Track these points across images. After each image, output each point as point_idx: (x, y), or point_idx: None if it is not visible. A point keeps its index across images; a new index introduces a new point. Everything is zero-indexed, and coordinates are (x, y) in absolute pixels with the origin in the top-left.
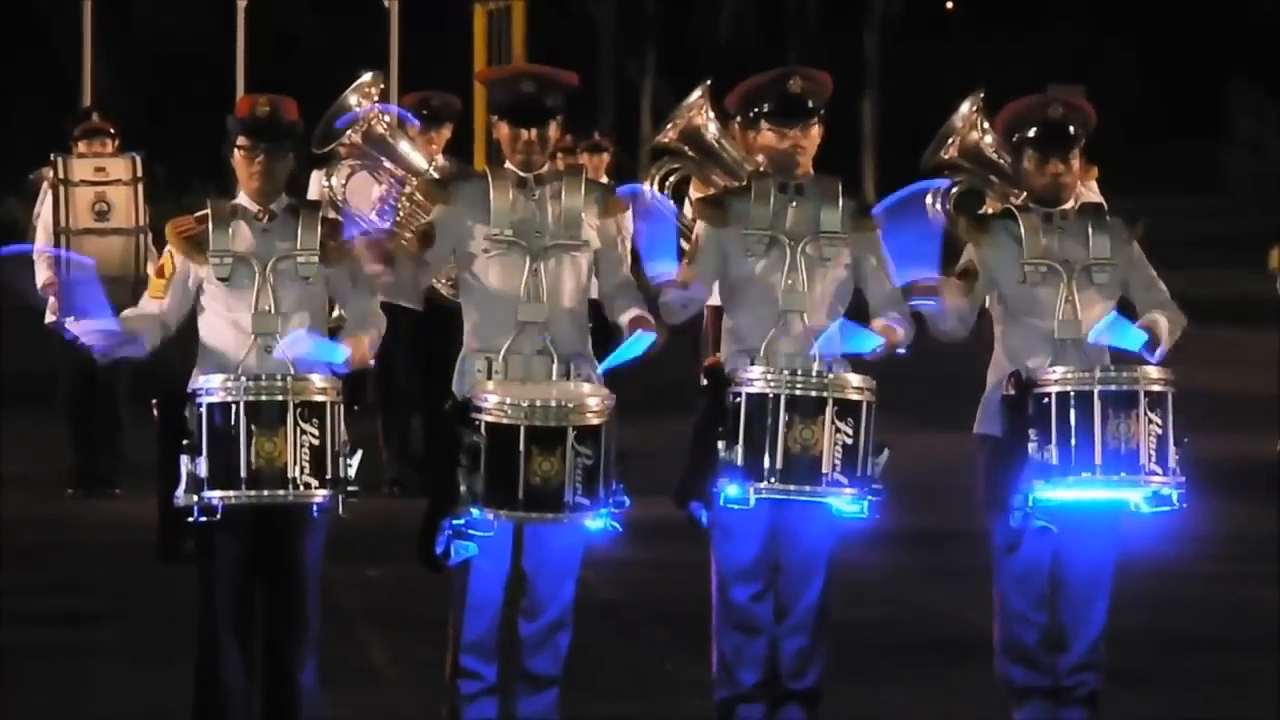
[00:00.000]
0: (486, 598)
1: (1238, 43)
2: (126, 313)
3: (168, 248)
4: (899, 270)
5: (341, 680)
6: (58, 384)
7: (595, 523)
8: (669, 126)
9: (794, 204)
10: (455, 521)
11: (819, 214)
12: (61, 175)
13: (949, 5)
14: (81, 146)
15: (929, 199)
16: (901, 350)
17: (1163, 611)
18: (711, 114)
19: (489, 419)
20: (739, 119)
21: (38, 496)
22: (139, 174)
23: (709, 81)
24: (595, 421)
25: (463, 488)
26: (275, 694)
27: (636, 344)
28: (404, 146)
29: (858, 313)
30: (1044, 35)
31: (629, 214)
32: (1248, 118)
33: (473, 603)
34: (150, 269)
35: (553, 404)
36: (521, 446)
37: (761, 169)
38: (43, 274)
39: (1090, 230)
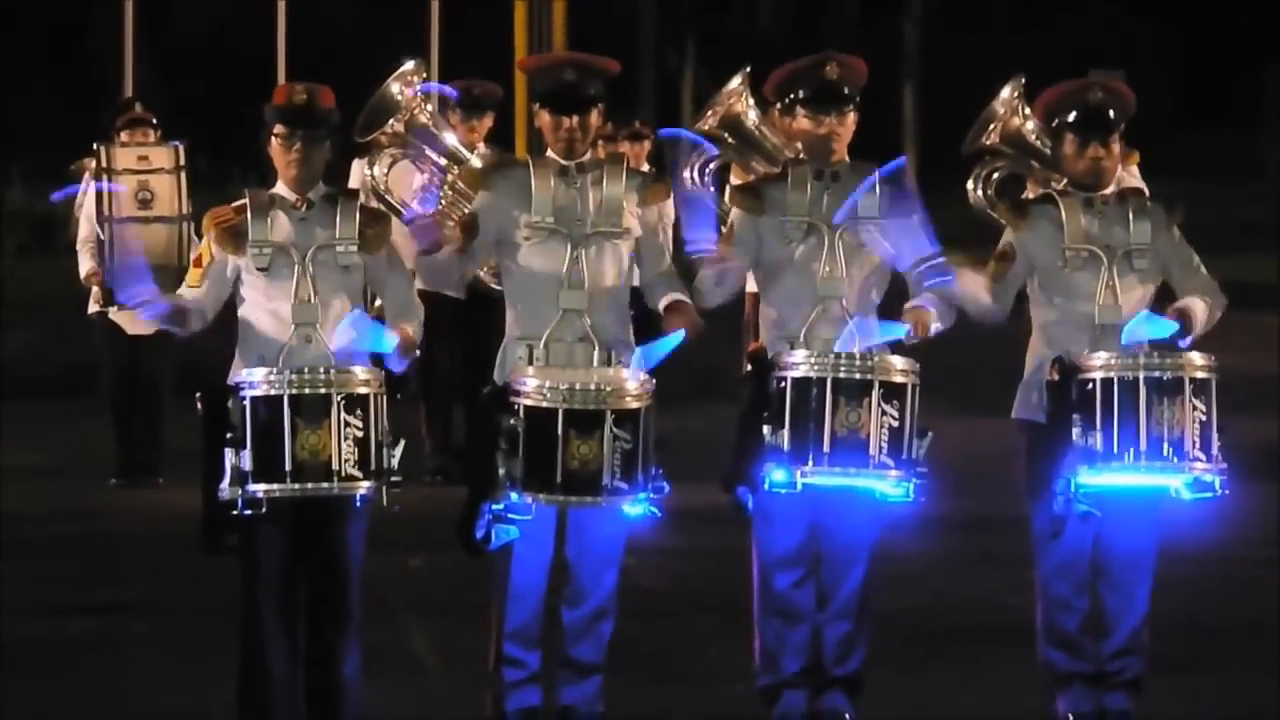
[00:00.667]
0: (529, 586)
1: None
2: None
3: (206, 237)
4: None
5: (385, 669)
6: (99, 375)
7: (634, 508)
8: (709, 114)
9: (830, 190)
10: (494, 506)
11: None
12: (105, 164)
13: None
14: (124, 136)
15: (970, 185)
16: (937, 327)
17: (1205, 597)
18: (751, 101)
19: (527, 403)
20: (776, 105)
21: (80, 487)
22: (181, 163)
23: (748, 69)
24: (633, 405)
25: (501, 471)
26: (319, 684)
27: (669, 342)
28: (447, 135)
29: (897, 295)
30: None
31: (670, 202)
32: None
33: (515, 591)
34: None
35: (591, 388)
36: (560, 430)
37: (799, 156)
38: (86, 264)
39: (1131, 215)
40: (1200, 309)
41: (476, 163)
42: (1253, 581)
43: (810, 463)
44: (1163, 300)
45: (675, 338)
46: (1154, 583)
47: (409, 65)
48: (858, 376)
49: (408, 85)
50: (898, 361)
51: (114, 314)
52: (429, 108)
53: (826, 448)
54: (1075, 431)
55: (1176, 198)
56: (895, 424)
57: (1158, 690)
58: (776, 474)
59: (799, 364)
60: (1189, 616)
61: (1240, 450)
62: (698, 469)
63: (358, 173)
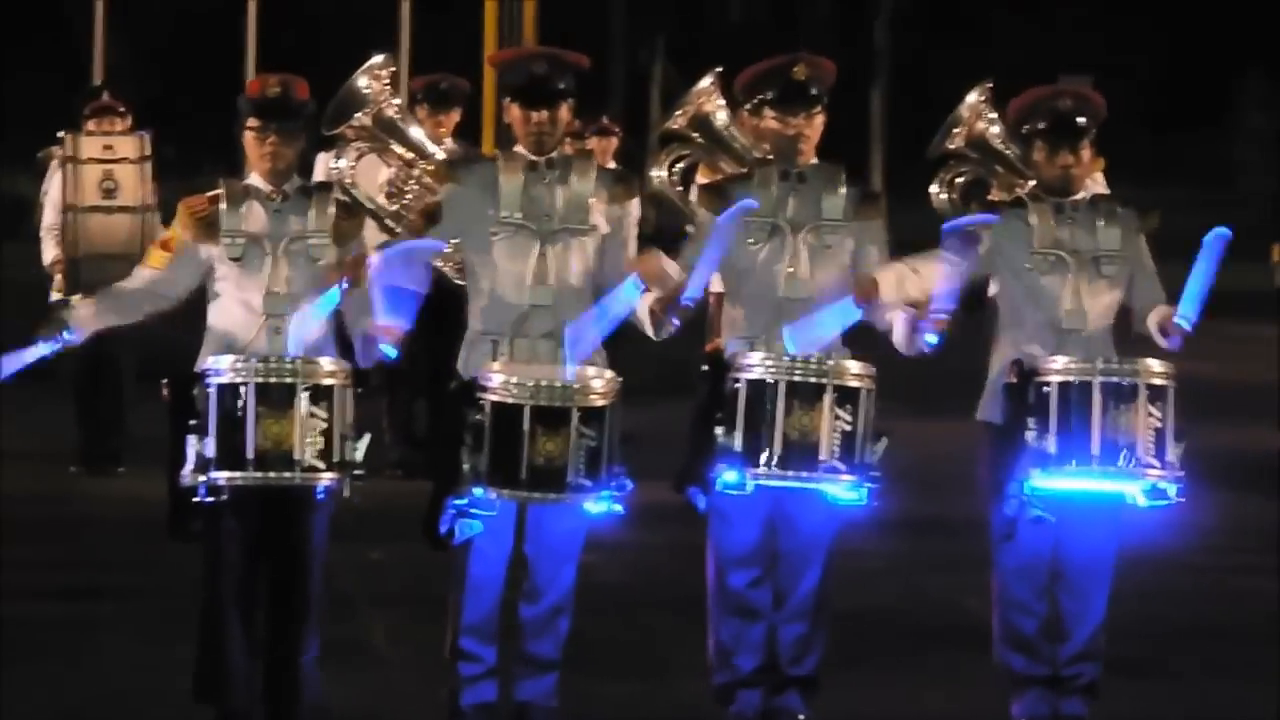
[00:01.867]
0: (487, 580)
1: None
2: (109, 289)
3: (174, 225)
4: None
5: (343, 661)
6: (62, 360)
7: (597, 505)
8: (678, 113)
9: (796, 191)
10: (459, 501)
11: (820, 202)
12: (70, 153)
13: None
14: (91, 124)
15: (934, 188)
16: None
17: (1162, 602)
18: (721, 101)
19: (494, 398)
20: (745, 105)
21: (41, 472)
22: (147, 152)
23: (719, 69)
24: (600, 403)
25: (466, 466)
26: (277, 673)
27: (627, 289)
28: (413, 130)
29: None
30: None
31: (636, 201)
32: (1258, 110)
33: (473, 585)
34: None
35: (558, 384)
36: (526, 426)
37: (766, 156)
38: (50, 251)
39: (1100, 222)
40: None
41: (442, 157)
42: (1208, 588)
43: (761, 465)
44: (1124, 311)
45: (631, 285)
46: (1115, 587)
47: (377, 59)
48: (812, 380)
49: (375, 79)
50: (853, 366)
51: (75, 300)
52: (396, 102)
53: (778, 450)
54: (1030, 434)
55: (1148, 203)
56: (848, 428)
57: (1118, 694)
58: (728, 475)
59: (754, 366)
60: (1145, 620)
61: (1198, 457)
62: (660, 465)
63: (322, 166)
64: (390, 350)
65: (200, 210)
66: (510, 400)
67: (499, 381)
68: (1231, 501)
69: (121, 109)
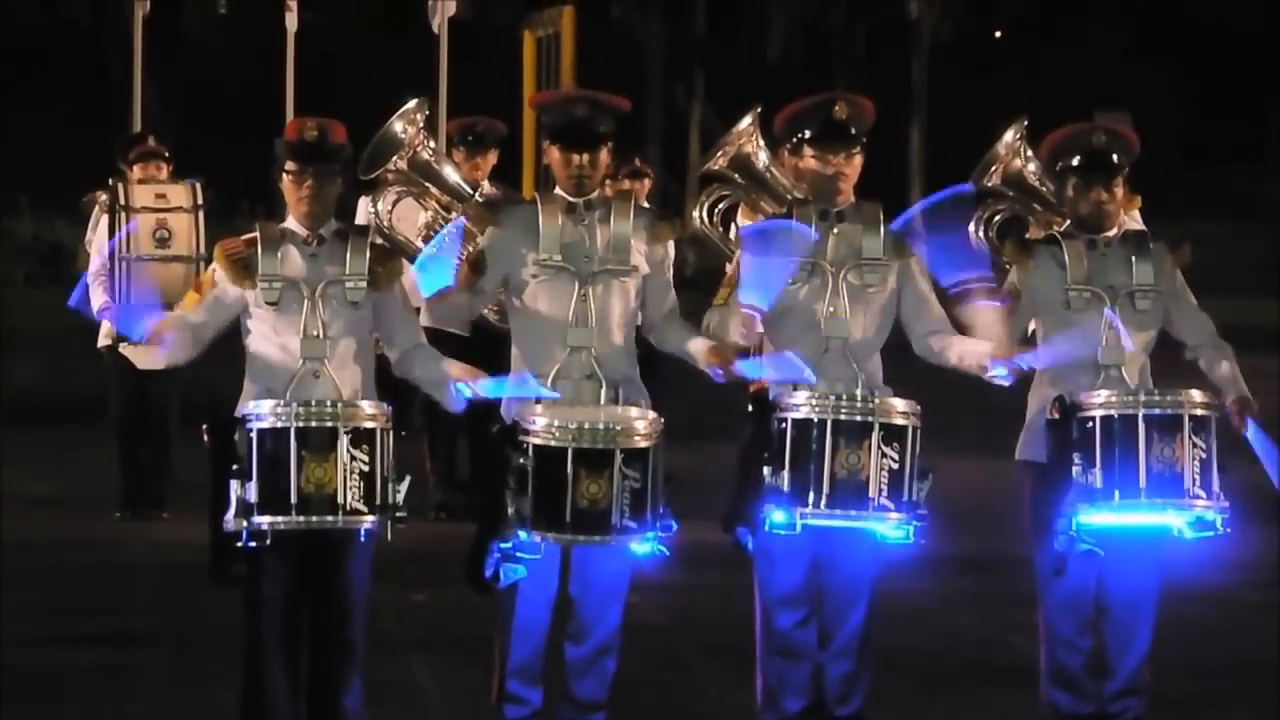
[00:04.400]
0: (532, 622)
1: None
2: (164, 317)
3: (211, 267)
4: (950, 272)
5: (387, 703)
6: (108, 406)
7: (642, 546)
8: (718, 153)
9: (835, 231)
10: (503, 544)
11: (861, 241)
12: (122, 202)
13: (996, 34)
14: (136, 171)
15: (971, 227)
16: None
17: (1206, 638)
18: (761, 141)
19: (537, 441)
20: (784, 145)
21: (85, 518)
22: (199, 201)
23: (759, 109)
24: (643, 444)
25: (510, 510)
26: (321, 715)
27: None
28: (449, 173)
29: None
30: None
31: (672, 241)
32: None
33: (519, 627)
34: None
35: (600, 427)
36: (569, 469)
37: (805, 196)
38: (98, 298)
39: (1134, 257)
40: (1240, 384)
41: (481, 200)
42: (1254, 624)
43: (810, 504)
44: (1162, 344)
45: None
46: (1159, 623)
47: (412, 103)
48: (858, 419)
49: (410, 123)
50: (899, 404)
51: (124, 348)
52: (431, 145)
53: (826, 489)
54: (1076, 470)
55: (1182, 236)
56: (895, 466)
57: None
58: (776, 515)
59: (800, 405)
60: (1191, 657)
61: (1243, 493)
62: (701, 505)
63: (363, 210)
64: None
65: (236, 252)
66: (553, 443)
67: (542, 424)
68: (1268, 536)
69: (166, 154)
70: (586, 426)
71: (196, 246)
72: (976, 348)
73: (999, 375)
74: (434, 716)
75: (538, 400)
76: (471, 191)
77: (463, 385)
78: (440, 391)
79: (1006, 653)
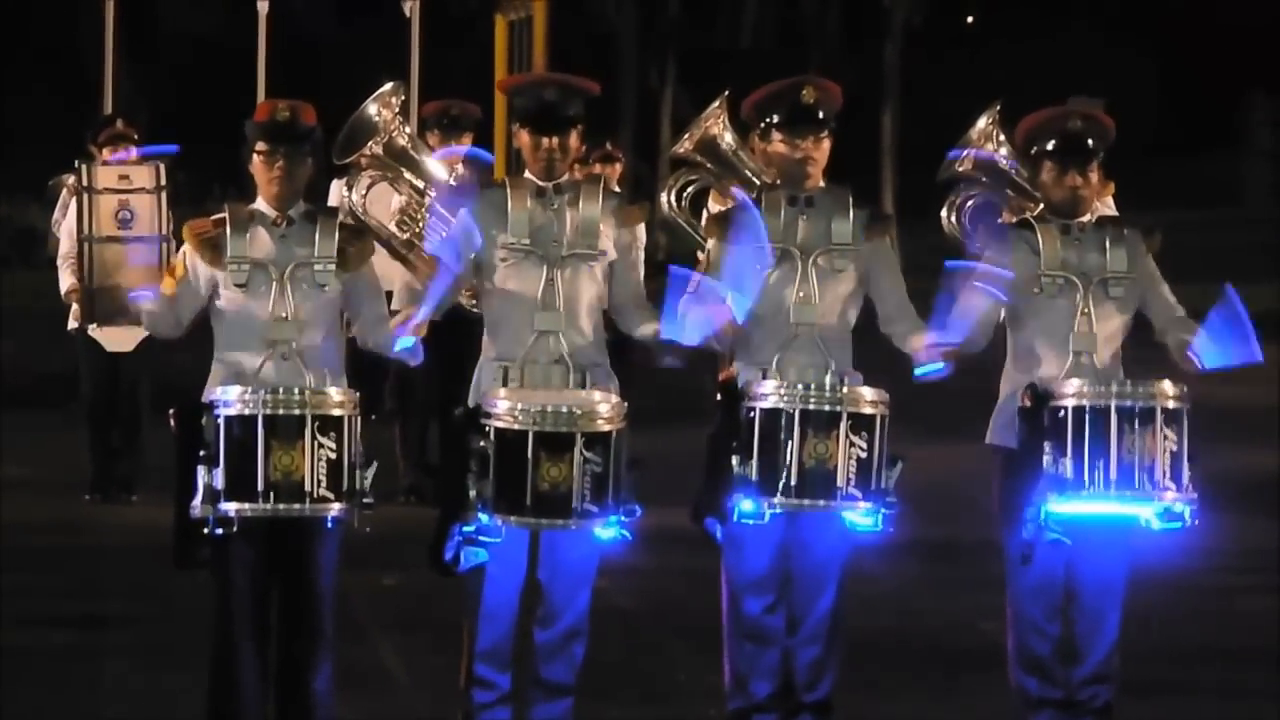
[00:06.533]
0: (501, 606)
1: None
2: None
3: (183, 249)
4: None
5: (356, 686)
6: (79, 388)
7: (606, 531)
8: (686, 137)
9: (804, 216)
10: (465, 528)
11: (830, 226)
12: (85, 183)
13: (969, 20)
14: (105, 153)
15: (944, 212)
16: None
17: (1175, 624)
18: (729, 125)
19: (498, 424)
20: (753, 129)
21: (54, 500)
22: (162, 182)
23: (727, 92)
24: (605, 428)
25: (472, 493)
26: (289, 699)
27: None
28: (425, 158)
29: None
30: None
31: (641, 226)
32: (1266, 129)
33: (487, 611)
34: None
35: (562, 410)
36: (530, 452)
37: (773, 181)
38: (66, 280)
39: (1108, 243)
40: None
41: (455, 184)
42: (1224, 610)
43: (778, 494)
44: (1138, 330)
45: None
46: (1128, 609)
47: (387, 87)
48: (827, 408)
49: (386, 106)
50: (867, 393)
51: (93, 331)
52: (407, 129)
53: (794, 479)
54: (1046, 459)
55: (1155, 224)
56: (864, 455)
57: (1132, 716)
58: (745, 504)
59: (768, 394)
60: (1160, 643)
61: (1213, 481)
62: (671, 489)
63: (336, 194)
64: (407, 342)
65: (204, 232)
66: (515, 426)
67: (503, 408)
68: (1236, 524)
69: (134, 137)
70: (548, 410)
71: (160, 227)
72: (915, 342)
73: (932, 370)
74: (402, 700)
75: (504, 383)
76: (446, 177)
77: (402, 334)
78: (389, 345)
79: (975, 637)
